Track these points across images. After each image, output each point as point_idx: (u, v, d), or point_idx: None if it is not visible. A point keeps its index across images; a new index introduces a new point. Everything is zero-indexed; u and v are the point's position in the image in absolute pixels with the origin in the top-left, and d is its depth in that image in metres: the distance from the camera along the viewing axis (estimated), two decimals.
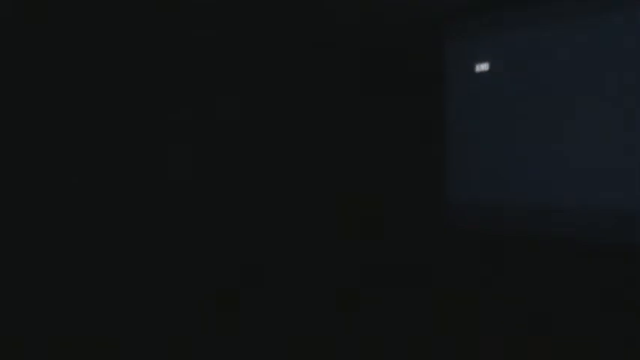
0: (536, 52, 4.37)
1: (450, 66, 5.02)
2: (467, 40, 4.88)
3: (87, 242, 3.72)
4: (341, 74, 5.36)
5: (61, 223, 3.59)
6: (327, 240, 5.17)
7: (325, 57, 5.25)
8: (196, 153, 4.32)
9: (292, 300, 4.34)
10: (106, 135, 3.83)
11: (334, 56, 5.32)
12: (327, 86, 5.26)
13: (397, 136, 5.45)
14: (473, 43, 4.83)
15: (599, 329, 3.67)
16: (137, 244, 3.95)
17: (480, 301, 4.32)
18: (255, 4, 4.51)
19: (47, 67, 3.54)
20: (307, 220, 5.08)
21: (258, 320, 3.86)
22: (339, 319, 3.89)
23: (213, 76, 4.44)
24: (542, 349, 3.38)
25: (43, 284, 3.47)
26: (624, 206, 3.89)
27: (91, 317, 3.64)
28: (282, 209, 4.91)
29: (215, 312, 4.01)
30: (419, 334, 3.65)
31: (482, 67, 4.76)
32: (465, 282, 4.67)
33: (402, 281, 4.88)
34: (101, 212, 3.79)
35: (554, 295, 4.14)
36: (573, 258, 4.14)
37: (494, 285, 4.49)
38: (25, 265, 3.40)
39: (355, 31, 5.37)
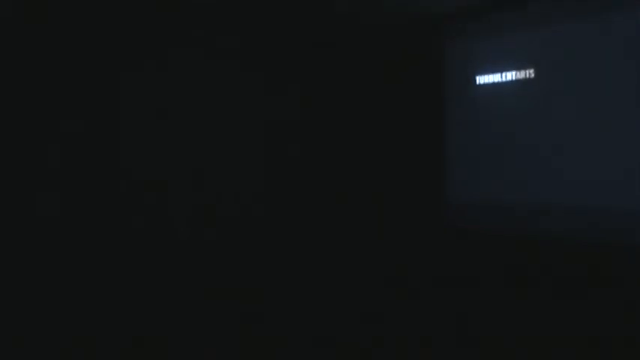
0: (536, 52, 4.38)
1: (450, 66, 5.02)
2: (467, 40, 4.88)
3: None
4: (341, 74, 5.36)
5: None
6: (327, 240, 5.17)
7: (325, 57, 5.25)
8: (197, 151, 4.32)
9: (290, 300, 4.34)
10: (107, 133, 3.83)
11: (334, 56, 5.32)
12: (326, 86, 5.26)
13: (397, 136, 5.46)
14: (473, 43, 4.83)
15: (600, 329, 3.68)
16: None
17: (480, 301, 4.32)
18: (255, 4, 4.51)
19: (47, 67, 3.54)
20: (306, 220, 5.08)
21: (258, 321, 3.86)
22: (339, 319, 3.89)
23: (212, 73, 4.44)
24: (543, 349, 3.38)
25: None
26: (624, 206, 3.89)
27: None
28: (282, 209, 4.91)
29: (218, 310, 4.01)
30: (419, 333, 3.65)
31: (482, 67, 4.76)
32: (464, 282, 4.67)
33: (402, 281, 4.88)
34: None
35: (554, 294, 4.14)
36: (573, 258, 4.14)
37: (493, 285, 4.49)
38: None
39: (355, 31, 5.37)
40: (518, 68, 4.49)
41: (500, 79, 4.62)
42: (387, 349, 3.39)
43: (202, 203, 4.34)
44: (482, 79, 4.76)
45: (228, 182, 4.52)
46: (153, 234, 4.05)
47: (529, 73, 4.42)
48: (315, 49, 5.17)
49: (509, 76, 4.55)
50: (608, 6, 3.96)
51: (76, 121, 3.66)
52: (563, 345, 3.44)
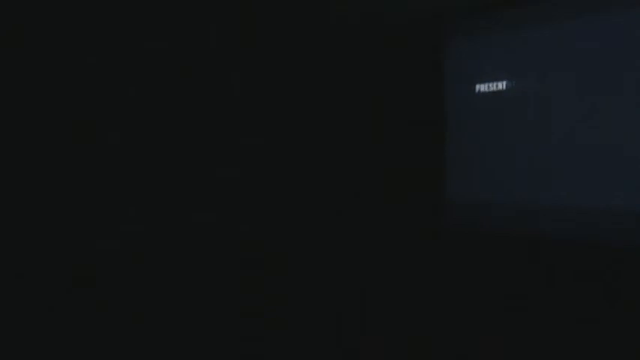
0: (537, 51, 4.37)
1: (450, 66, 5.02)
2: (467, 40, 4.88)
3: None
4: (340, 73, 5.36)
5: None
6: (326, 240, 5.17)
7: (324, 57, 5.25)
8: (195, 149, 4.31)
9: (293, 300, 4.34)
10: (108, 134, 3.83)
11: (333, 56, 5.32)
12: (326, 86, 5.26)
13: (397, 136, 5.46)
14: (473, 42, 4.83)
15: (600, 329, 3.68)
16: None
17: (479, 301, 4.32)
18: (254, 5, 4.50)
19: (47, 67, 3.54)
20: (306, 220, 5.08)
21: (257, 323, 3.86)
22: (339, 320, 3.89)
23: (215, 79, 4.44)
24: (543, 349, 3.38)
25: None
26: (624, 206, 3.89)
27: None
28: (282, 209, 4.90)
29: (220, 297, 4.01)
30: (419, 334, 3.65)
31: (483, 67, 4.76)
32: (464, 282, 4.67)
33: (402, 281, 4.88)
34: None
35: (554, 295, 4.14)
36: (573, 258, 4.14)
37: (493, 285, 4.49)
38: None
39: (354, 30, 5.37)
40: (519, 68, 4.49)
41: (501, 79, 4.62)
42: (387, 349, 3.39)
43: (204, 203, 4.34)
44: (482, 79, 4.76)
45: (227, 182, 4.52)
46: (152, 234, 4.05)
47: (530, 72, 4.42)
48: (314, 49, 5.17)
49: (510, 75, 4.55)
50: (609, 6, 3.96)
51: (75, 122, 3.66)
52: (563, 345, 3.44)
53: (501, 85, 4.62)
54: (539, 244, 4.35)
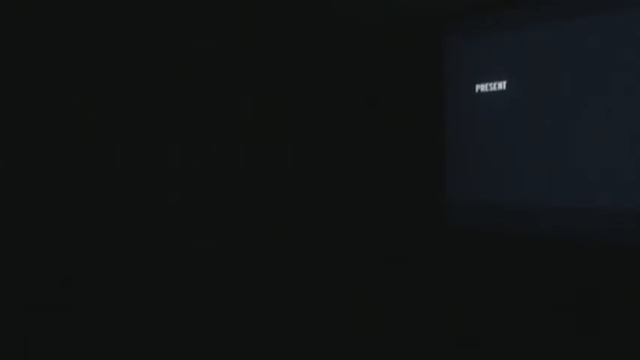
0: (537, 51, 4.37)
1: (450, 66, 5.02)
2: (467, 40, 4.88)
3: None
4: (340, 74, 5.36)
5: None
6: (326, 240, 5.17)
7: (324, 57, 5.25)
8: (194, 150, 4.32)
9: (290, 301, 4.34)
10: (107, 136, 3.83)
11: (333, 55, 5.32)
12: (325, 86, 5.26)
13: (397, 137, 5.46)
14: (473, 42, 4.83)
15: (599, 329, 3.68)
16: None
17: (479, 301, 4.32)
18: (253, 5, 4.50)
19: (47, 67, 3.54)
20: (305, 220, 5.08)
21: (257, 319, 3.86)
22: (339, 321, 3.89)
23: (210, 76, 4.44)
24: (543, 349, 3.38)
25: None
26: (624, 207, 3.89)
27: None
28: (282, 209, 4.90)
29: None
30: (418, 334, 3.65)
31: (483, 66, 4.76)
32: (464, 282, 4.67)
33: (402, 281, 4.88)
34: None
35: (554, 295, 4.14)
36: (574, 258, 4.14)
37: (493, 285, 4.49)
38: None
39: (354, 31, 5.37)
40: (519, 68, 4.49)
41: (501, 79, 4.62)
42: (387, 350, 3.39)
43: (204, 202, 4.34)
44: (482, 79, 4.76)
45: (228, 181, 4.52)
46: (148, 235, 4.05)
47: (530, 72, 4.42)
48: (314, 49, 5.17)
49: (510, 75, 4.55)
50: (609, 6, 3.96)
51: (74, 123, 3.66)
52: (563, 345, 3.44)
53: (501, 85, 4.61)
54: (539, 244, 4.35)
